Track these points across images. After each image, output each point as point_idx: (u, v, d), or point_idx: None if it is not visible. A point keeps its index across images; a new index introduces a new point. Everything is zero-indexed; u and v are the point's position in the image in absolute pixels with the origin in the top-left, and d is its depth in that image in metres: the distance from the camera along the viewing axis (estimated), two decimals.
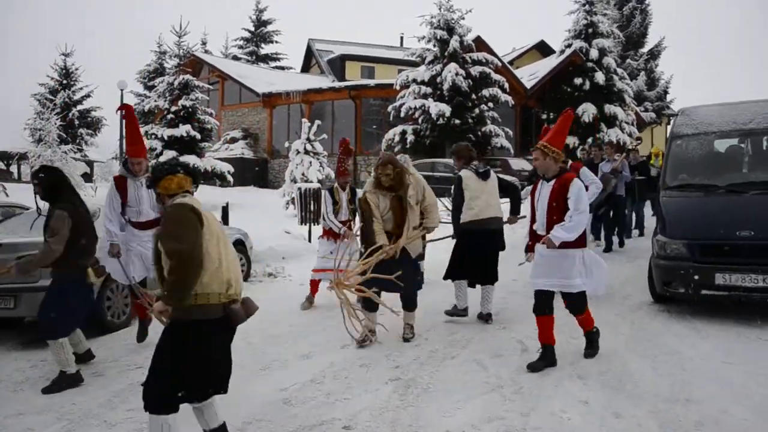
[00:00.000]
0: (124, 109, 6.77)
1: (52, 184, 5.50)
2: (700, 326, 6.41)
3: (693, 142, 7.79)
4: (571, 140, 25.55)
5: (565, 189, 5.18)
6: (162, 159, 18.28)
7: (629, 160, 12.61)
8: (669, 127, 35.33)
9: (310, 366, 5.56)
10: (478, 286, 6.86)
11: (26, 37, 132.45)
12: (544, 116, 28.81)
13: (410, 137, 23.31)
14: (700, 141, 7.76)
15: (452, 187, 7.09)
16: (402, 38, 40.27)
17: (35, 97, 34.08)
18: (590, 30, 27.09)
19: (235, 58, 38.93)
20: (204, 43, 39.66)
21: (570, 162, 7.00)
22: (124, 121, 6.43)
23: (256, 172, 27.17)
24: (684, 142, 7.83)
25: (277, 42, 42.12)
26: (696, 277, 6.52)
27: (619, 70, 27.50)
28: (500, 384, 4.97)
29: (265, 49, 41.71)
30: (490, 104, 23.65)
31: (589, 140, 24.85)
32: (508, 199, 7.22)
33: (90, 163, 30.16)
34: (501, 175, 7.61)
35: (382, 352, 5.86)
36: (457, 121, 22.41)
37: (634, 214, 12.87)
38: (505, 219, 7.03)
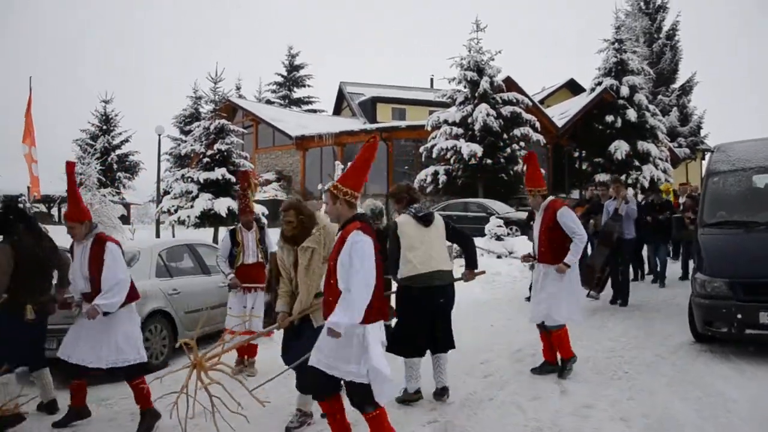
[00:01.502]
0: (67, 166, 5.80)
1: (3, 217, 5.72)
2: (745, 366, 6.25)
3: (730, 179, 7.68)
4: (605, 177, 25.42)
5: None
6: (197, 202, 18.58)
7: (653, 200, 12.41)
8: (704, 163, 35.02)
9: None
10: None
11: (69, 86, 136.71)
12: (576, 154, 28.77)
13: (442, 178, 23.40)
14: (737, 177, 7.65)
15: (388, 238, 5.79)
16: (432, 80, 40.74)
17: (77, 142, 35.15)
18: (620, 67, 27.10)
19: (269, 102, 39.71)
20: (238, 89, 40.62)
21: (550, 198, 6.29)
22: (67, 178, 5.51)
23: None
24: (721, 178, 7.73)
25: (309, 86, 42.96)
26: (739, 316, 6.38)
27: (651, 107, 27.40)
28: (539, 427, 4.89)
29: (298, 92, 42.54)
30: (522, 143, 23.66)
31: (602, 177, 24.72)
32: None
33: (127, 206, 30.80)
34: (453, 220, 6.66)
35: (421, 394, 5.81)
36: (489, 161, 22.44)
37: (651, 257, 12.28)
38: (457, 274, 5.83)
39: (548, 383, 5.97)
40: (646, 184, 24.67)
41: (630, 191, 13.04)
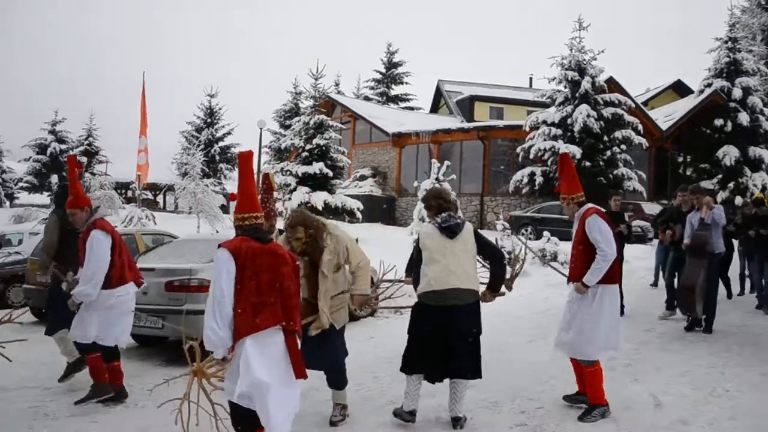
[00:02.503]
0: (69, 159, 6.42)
1: (62, 192, 6.57)
2: None
3: None
4: (711, 184, 24.34)
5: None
6: (295, 195, 19.11)
7: (756, 212, 10.34)
8: None
9: (433, 404, 5.56)
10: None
11: (176, 80, 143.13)
12: (680, 159, 27.64)
13: (539, 179, 23.03)
14: None
15: None
16: (531, 79, 40.13)
17: (183, 134, 36.80)
18: (733, 68, 25.85)
19: (367, 98, 40.19)
20: (337, 85, 41.34)
21: (587, 205, 5.42)
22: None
23: (383, 210, 27.69)
24: None
25: (407, 83, 43.18)
26: None
27: (767, 110, 25.95)
28: None
29: (395, 90, 42.83)
30: (623, 146, 22.96)
31: (707, 184, 23.53)
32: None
33: (226, 196, 31.99)
34: (486, 234, 5.70)
35: (507, 395, 5.79)
36: (588, 164, 21.90)
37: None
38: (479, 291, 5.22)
39: (641, 395, 5.81)
40: (757, 192, 23.42)
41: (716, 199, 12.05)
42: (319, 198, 18.80)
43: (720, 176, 24.70)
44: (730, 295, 10.95)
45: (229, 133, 37.17)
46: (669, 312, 9.36)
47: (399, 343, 5.45)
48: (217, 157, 35.03)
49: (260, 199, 6.42)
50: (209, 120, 36.89)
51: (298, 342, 3.94)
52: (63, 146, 40.00)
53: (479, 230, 5.43)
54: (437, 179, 16.09)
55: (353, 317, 9.81)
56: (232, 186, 36.31)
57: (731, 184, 24.33)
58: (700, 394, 5.83)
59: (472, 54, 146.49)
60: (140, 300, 6.30)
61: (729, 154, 24.38)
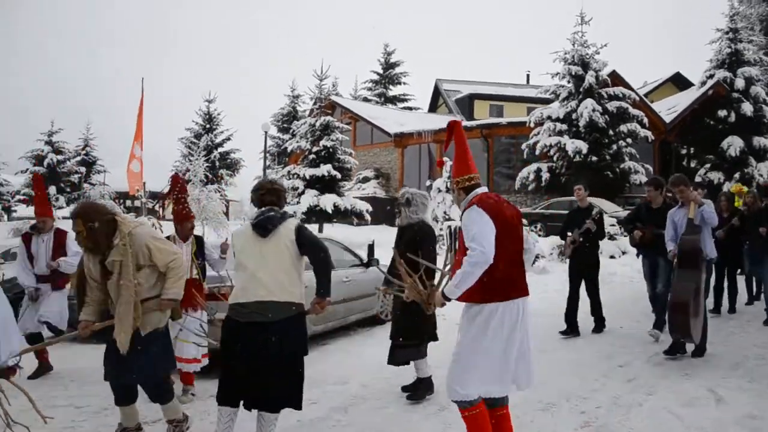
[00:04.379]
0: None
1: None
2: None
3: None
4: (716, 176, 24.26)
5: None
6: (304, 198, 18.93)
7: (767, 204, 9.14)
8: None
9: None
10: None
11: (174, 87, 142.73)
12: (684, 151, 27.57)
13: (545, 175, 22.89)
14: None
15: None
16: (528, 76, 40.05)
17: (182, 140, 36.58)
18: (734, 58, 25.78)
19: (366, 99, 40.04)
20: (335, 86, 41.16)
21: (479, 190, 3.94)
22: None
23: (387, 211, 27.52)
24: None
25: (404, 83, 43.07)
26: None
27: None
28: None
29: (393, 90, 42.71)
30: (629, 140, 22.86)
31: (713, 175, 23.46)
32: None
33: (226, 203, 31.88)
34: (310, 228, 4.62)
35: (563, 396, 5.64)
36: (594, 158, 21.80)
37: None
38: (300, 303, 4.26)
39: (699, 390, 5.66)
40: (761, 182, 23.35)
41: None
42: (328, 201, 18.65)
43: (726, 167, 24.59)
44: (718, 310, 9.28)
45: (228, 139, 37.03)
46: (656, 331, 7.54)
47: None
48: (217, 163, 34.83)
49: (174, 200, 6.08)
50: (208, 126, 36.72)
51: None
52: (60, 157, 39.71)
53: (303, 225, 4.46)
54: (449, 178, 15.94)
55: (378, 321, 9.65)
56: (233, 192, 36.17)
57: (737, 175, 24.23)
58: (761, 387, 5.69)
59: (469, 53, 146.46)
60: None
61: (733, 144, 24.27)
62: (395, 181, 29.44)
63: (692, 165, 26.54)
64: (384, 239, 17.85)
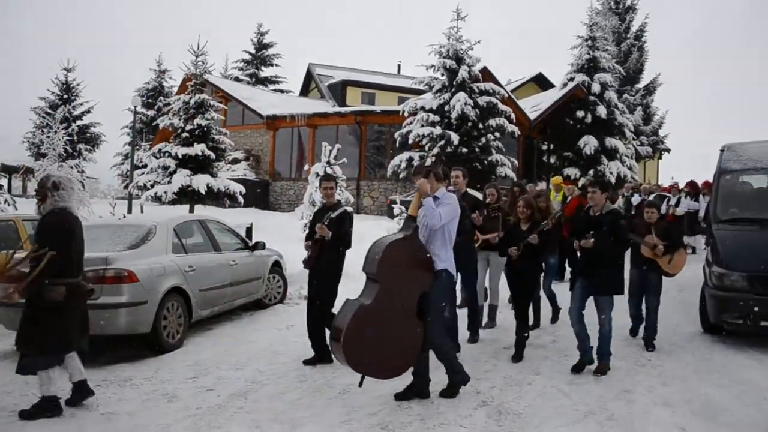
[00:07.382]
0: None
1: None
2: (762, 357, 6.52)
3: (742, 177, 8.01)
4: (573, 172, 25.96)
5: None
6: (175, 178, 18.22)
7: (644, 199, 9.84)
8: (662, 163, 36.07)
9: (389, 390, 5.52)
10: None
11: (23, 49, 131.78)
12: (545, 147, 29.23)
13: (416, 164, 23.39)
14: (749, 176, 7.98)
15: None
16: (399, 66, 40.68)
17: (35, 110, 33.98)
18: (592, 65, 27.57)
19: (237, 79, 39.03)
20: (213, 65, 39.72)
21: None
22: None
23: (257, 194, 27.10)
24: (733, 177, 8.04)
25: (277, 65, 42.38)
26: (756, 309, 6.65)
27: (620, 105, 28.02)
28: (590, 410, 5.03)
29: (266, 71, 41.91)
30: (497, 134, 23.87)
31: (570, 171, 25.27)
32: None
33: (87, 179, 30.14)
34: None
35: None
36: (465, 150, 22.59)
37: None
38: None
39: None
40: (613, 180, 25.28)
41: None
42: (201, 181, 18.05)
43: (581, 164, 26.32)
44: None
45: (88, 111, 34.78)
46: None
47: None
48: (75, 138, 32.63)
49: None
50: (66, 96, 34.29)
51: None
52: None
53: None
54: (328, 163, 15.91)
55: (262, 305, 9.54)
56: (92, 168, 34.14)
57: (591, 172, 26.03)
58: (628, 365, 6.22)
59: (342, 40, 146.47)
60: None
61: (589, 143, 26.04)
62: (266, 164, 29.06)
63: (552, 161, 28.21)
64: (268, 224, 17.63)
